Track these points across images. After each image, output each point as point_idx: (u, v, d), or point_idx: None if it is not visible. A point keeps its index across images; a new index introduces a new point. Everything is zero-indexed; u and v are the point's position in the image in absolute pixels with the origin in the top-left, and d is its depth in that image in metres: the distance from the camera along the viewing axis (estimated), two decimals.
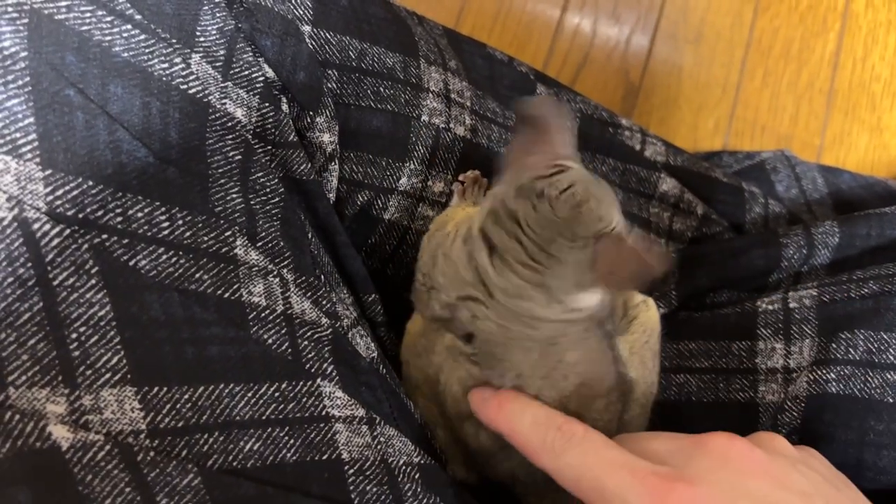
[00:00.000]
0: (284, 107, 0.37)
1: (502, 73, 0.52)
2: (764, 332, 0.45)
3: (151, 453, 0.28)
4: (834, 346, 0.42)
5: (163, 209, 0.31)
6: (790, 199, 0.63)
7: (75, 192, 0.29)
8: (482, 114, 0.45)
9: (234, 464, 0.30)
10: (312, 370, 0.34)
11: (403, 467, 0.35)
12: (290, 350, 0.33)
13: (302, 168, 0.38)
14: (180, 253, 0.31)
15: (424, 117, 0.42)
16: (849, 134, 0.82)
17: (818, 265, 0.51)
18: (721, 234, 0.55)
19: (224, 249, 0.32)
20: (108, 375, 0.28)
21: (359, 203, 0.42)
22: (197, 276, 0.31)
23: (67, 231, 0.28)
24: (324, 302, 0.36)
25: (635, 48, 0.84)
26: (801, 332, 0.44)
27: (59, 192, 0.28)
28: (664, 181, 0.55)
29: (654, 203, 0.55)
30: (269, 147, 0.36)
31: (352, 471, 0.33)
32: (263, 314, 0.33)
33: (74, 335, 0.27)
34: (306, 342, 0.34)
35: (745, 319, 0.46)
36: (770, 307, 0.46)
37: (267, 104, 0.36)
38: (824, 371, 0.42)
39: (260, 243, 0.34)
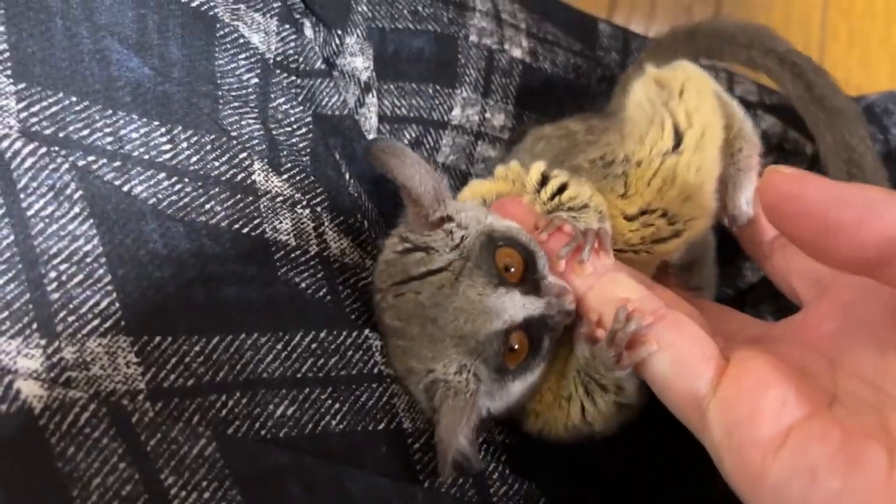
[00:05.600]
0: (308, 31, 0.32)
1: (557, 8, 0.45)
2: None
3: (150, 415, 0.21)
4: None
5: (162, 129, 0.25)
6: None
7: (55, 108, 0.24)
8: (542, 37, 0.38)
9: (263, 432, 0.23)
10: (359, 320, 0.27)
11: (484, 444, 0.28)
12: (328, 296, 0.27)
13: (333, 101, 0.32)
14: (185, 179, 0.25)
15: (473, 37, 0.36)
16: None
17: None
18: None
19: (240, 176, 0.26)
20: (95, 322, 0.22)
21: (406, 142, 0.35)
22: (207, 206, 0.25)
23: (44, 150, 0.23)
24: (369, 248, 0.30)
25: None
26: None
27: (35, 108, 0.24)
28: (762, 119, 0.47)
29: None
30: (294, 78, 0.31)
31: (417, 445, 0.26)
32: (294, 254, 0.27)
33: (53, 274, 0.22)
34: (349, 289, 0.27)
35: None
36: None
37: (287, 26, 0.31)
38: None
39: (286, 175, 0.28)
